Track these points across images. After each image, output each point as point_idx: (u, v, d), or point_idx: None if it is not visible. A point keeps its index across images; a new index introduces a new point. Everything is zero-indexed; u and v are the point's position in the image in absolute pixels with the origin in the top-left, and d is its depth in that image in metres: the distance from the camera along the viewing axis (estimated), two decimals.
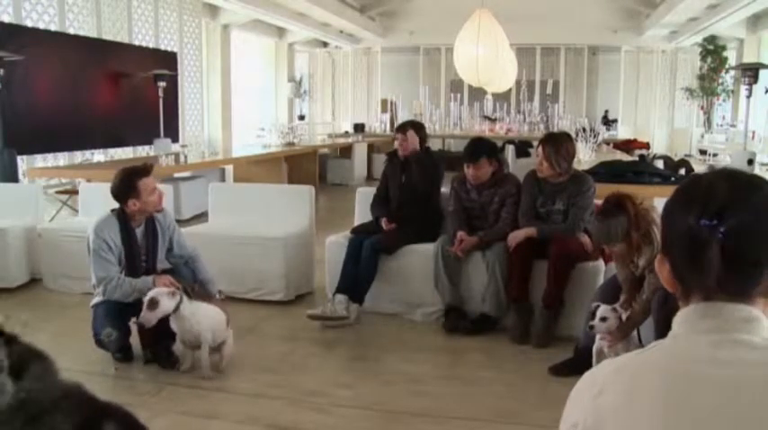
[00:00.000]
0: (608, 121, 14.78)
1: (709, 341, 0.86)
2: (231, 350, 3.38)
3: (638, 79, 15.92)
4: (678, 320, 0.92)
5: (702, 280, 0.88)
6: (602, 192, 3.90)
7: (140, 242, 3.45)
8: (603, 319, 3.00)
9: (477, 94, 14.35)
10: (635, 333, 3.18)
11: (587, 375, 0.95)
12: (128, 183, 3.36)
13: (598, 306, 3.06)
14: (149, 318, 3.12)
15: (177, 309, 3.16)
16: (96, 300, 3.42)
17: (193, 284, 3.47)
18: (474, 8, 9.11)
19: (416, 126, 4.51)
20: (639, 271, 3.18)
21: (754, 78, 6.91)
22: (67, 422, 0.65)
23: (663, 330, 2.81)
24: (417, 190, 4.32)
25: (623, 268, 3.24)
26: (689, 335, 0.89)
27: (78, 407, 0.67)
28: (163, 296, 3.14)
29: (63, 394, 0.67)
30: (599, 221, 3.11)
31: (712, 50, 14.82)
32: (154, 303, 3.12)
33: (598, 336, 3.13)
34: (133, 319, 3.24)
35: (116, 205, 3.44)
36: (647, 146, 12.52)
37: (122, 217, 3.39)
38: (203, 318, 3.25)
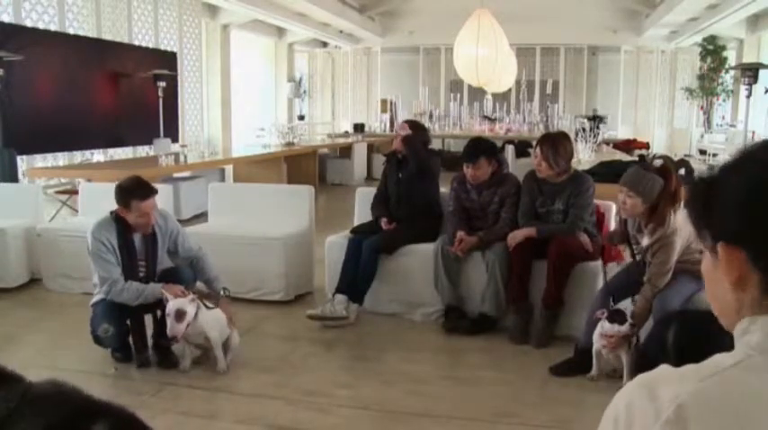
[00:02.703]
0: (598, 120, 14.37)
1: None
2: (237, 346, 3.43)
3: (638, 79, 15.92)
4: (764, 333, 0.72)
5: None
6: (601, 192, 3.91)
7: (139, 246, 3.43)
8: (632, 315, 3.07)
9: (477, 93, 14.35)
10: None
11: (645, 383, 0.73)
12: (123, 196, 3.33)
13: (613, 310, 3.07)
14: (179, 329, 3.11)
15: (196, 315, 3.18)
16: (96, 298, 3.43)
17: (201, 290, 3.48)
18: (474, 8, 9.11)
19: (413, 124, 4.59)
20: (641, 252, 3.19)
21: (754, 78, 6.92)
22: (37, 424, 0.63)
23: (658, 345, 2.82)
24: (414, 183, 4.32)
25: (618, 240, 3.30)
26: None
27: (52, 410, 0.64)
28: (187, 306, 3.14)
29: (26, 401, 0.65)
30: (638, 167, 3.13)
31: (712, 50, 14.82)
32: (181, 314, 3.11)
33: (597, 340, 3.13)
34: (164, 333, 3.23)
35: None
36: (646, 146, 12.52)
37: (120, 219, 3.38)
38: (212, 321, 3.27)
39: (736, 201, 0.73)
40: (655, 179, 3.03)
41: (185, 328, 3.13)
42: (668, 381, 0.72)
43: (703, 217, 0.78)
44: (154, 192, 3.37)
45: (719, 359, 0.72)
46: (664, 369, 0.75)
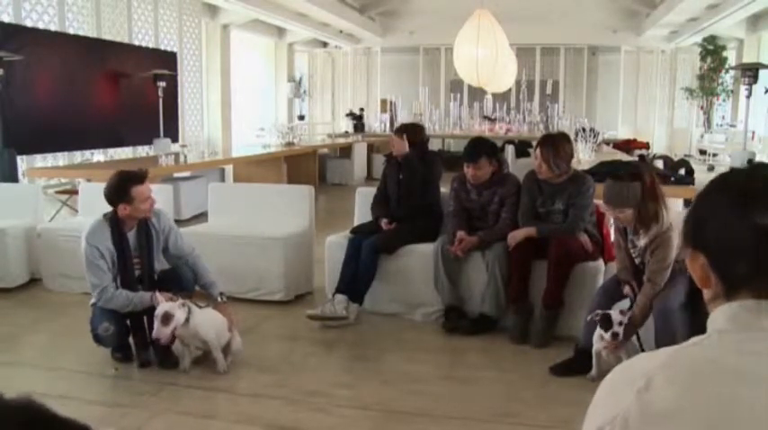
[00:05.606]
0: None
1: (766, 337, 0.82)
2: (240, 348, 3.44)
3: (638, 79, 15.92)
4: (724, 317, 0.86)
5: (763, 280, 0.84)
6: (601, 193, 3.91)
7: (133, 246, 3.42)
8: (621, 324, 3.03)
9: (477, 93, 14.34)
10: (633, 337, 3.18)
11: (624, 368, 0.89)
12: (121, 189, 3.33)
13: (603, 314, 3.06)
14: (165, 332, 3.11)
15: (187, 320, 3.18)
16: (95, 298, 3.42)
17: (191, 295, 3.47)
18: (474, 8, 9.10)
19: (407, 130, 4.48)
20: (639, 254, 3.18)
21: (754, 78, 6.91)
22: None
23: (663, 338, 2.82)
24: (414, 187, 4.32)
25: (619, 252, 3.27)
26: (742, 331, 0.84)
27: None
28: (176, 310, 3.14)
29: None
30: (612, 181, 3.12)
31: (712, 50, 14.83)
32: (168, 318, 3.11)
33: (597, 340, 3.13)
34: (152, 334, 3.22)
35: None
36: (646, 146, 12.52)
37: (114, 221, 3.38)
38: (206, 324, 3.27)
39: (692, 215, 0.91)
40: (631, 185, 3.05)
41: (171, 332, 3.13)
42: (643, 359, 0.88)
43: (684, 225, 0.93)
44: (146, 173, 3.44)
45: (691, 340, 0.86)
46: (642, 354, 0.92)
